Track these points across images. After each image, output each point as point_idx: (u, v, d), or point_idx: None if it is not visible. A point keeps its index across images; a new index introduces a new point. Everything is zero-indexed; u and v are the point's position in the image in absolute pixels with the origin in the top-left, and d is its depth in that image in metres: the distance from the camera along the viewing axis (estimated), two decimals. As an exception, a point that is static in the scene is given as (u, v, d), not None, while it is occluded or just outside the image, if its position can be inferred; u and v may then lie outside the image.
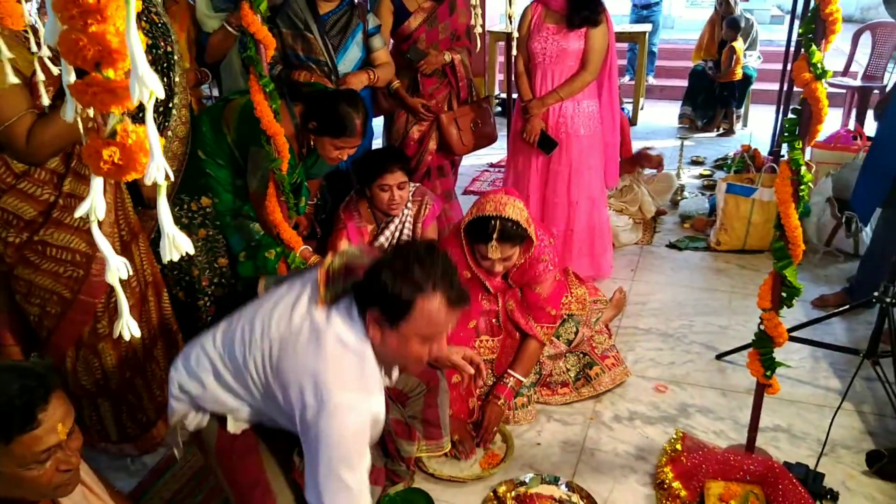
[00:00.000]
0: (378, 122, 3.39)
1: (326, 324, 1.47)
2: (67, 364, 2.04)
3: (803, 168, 1.77)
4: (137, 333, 0.67)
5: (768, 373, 2.00)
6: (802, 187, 1.78)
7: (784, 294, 1.91)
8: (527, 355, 2.40)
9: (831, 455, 2.19)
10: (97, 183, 0.59)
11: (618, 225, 3.78)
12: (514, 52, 2.89)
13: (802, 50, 1.70)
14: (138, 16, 2.06)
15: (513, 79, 3.18)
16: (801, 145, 1.76)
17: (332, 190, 3.08)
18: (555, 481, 2.07)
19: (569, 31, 2.92)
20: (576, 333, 2.51)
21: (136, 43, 0.55)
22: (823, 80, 1.67)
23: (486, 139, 3.35)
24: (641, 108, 6.68)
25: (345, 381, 1.43)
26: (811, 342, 2.64)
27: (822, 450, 2.15)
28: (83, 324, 1.98)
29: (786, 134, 1.80)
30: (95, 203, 0.61)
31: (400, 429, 1.95)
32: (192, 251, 0.66)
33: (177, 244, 0.61)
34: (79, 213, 0.61)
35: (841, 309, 2.70)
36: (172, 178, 0.62)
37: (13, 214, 1.81)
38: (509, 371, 2.37)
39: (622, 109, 4.08)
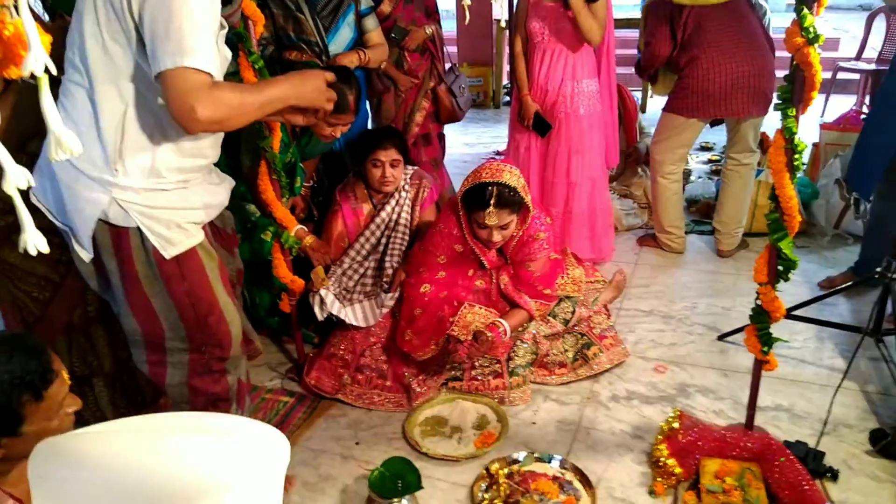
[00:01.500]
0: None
1: None
2: (59, 348, 2.05)
3: (797, 137, 1.73)
4: (45, 249, 0.67)
5: (765, 349, 1.96)
6: (797, 156, 1.75)
7: (780, 267, 1.87)
8: (516, 314, 2.39)
9: (833, 434, 2.15)
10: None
11: (621, 209, 3.74)
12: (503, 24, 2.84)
13: (794, 15, 1.66)
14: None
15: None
16: (794, 113, 1.73)
17: (329, 172, 3.08)
18: (548, 459, 2.05)
19: (567, 8, 2.89)
20: (572, 313, 2.49)
21: None
22: (816, 45, 1.63)
23: (469, 103, 3.51)
24: (651, 96, 6.60)
25: None
26: (815, 321, 2.59)
27: (823, 429, 2.11)
28: (73, 307, 1.99)
29: (779, 102, 1.76)
30: None
31: None
32: (80, 150, 0.64)
33: (62, 144, 0.60)
34: None
35: (841, 287, 2.65)
36: (54, 72, 0.59)
37: None
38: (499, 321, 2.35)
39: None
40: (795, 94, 1.72)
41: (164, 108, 1.41)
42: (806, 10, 1.62)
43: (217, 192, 1.69)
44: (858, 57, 5.85)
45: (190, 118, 1.35)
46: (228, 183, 1.74)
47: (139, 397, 2.22)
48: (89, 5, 1.42)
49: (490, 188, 2.22)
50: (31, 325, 2.02)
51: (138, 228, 1.52)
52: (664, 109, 3.24)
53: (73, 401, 1.29)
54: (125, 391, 2.19)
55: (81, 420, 1.36)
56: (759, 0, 6.12)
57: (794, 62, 1.68)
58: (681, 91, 3.11)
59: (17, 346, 1.22)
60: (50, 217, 1.54)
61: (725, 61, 2.99)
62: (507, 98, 7.02)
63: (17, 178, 0.61)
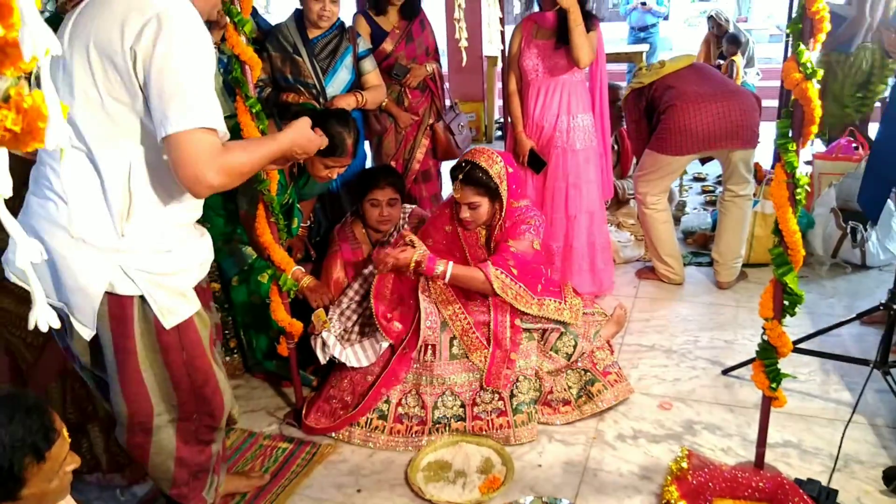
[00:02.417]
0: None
1: None
2: (53, 395, 2.00)
3: (798, 171, 1.73)
4: (56, 324, 0.63)
5: (774, 385, 1.93)
6: (799, 190, 1.74)
7: (786, 302, 1.86)
8: (468, 270, 2.35)
9: (845, 471, 2.11)
10: (1, 154, 0.55)
11: (619, 241, 3.73)
12: (499, 65, 2.89)
13: (790, 50, 1.67)
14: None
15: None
16: (794, 147, 1.73)
17: (326, 213, 3.07)
18: (556, 503, 2.00)
19: (560, 46, 2.92)
20: (574, 347, 2.45)
21: (25, -3, 0.50)
22: (814, 80, 1.64)
23: (468, 140, 3.58)
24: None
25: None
26: (819, 353, 2.56)
27: (835, 465, 2.06)
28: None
29: (779, 137, 1.76)
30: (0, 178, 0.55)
31: None
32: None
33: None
34: None
35: (848, 319, 2.62)
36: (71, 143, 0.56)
37: None
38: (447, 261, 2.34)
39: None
40: (795, 129, 1.73)
41: (168, 164, 1.39)
42: (802, 46, 1.63)
43: (206, 246, 1.67)
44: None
45: (199, 185, 1.35)
46: (209, 234, 1.72)
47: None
48: (80, 65, 1.36)
49: (464, 165, 2.34)
50: (25, 372, 1.97)
51: (141, 297, 1.49)
52: (648, 147, 3.26)
53: (72, 459, 1.25)
54: (116, 439, 2.13)
55: (76, 470, 1.32)
56: (742, 30, 6.26)
57: (793, 97, 1.69)
58: (664, 132, 3.14)
59: (18, 406, 1.17)
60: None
61: (705, 102, 3.06)
62: (500, 132, 7.07)
63: (30, 251, 0.58)
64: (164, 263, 1.50)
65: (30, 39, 0.48)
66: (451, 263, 2.33)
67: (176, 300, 1.53)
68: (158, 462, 1.69)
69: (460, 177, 2.33)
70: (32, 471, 1.17)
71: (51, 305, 1.40)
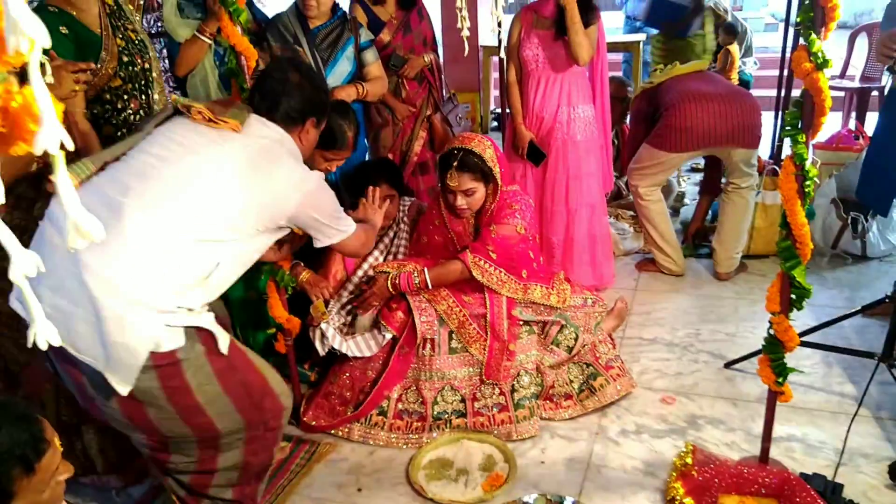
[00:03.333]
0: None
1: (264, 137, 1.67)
2: (47, 397, 1.96)
3: (808, 163, 1.70)
4: (56, 342, 0.59)
5: (780, 379, 1.91)
6: (808, 183, 1.71)
7: (793, 296, 1.83)
8: (444, 266, 2.35)
9: (850, 465, 2.09)
10: None
11: (618, 232, 3.70)
12: (502, 55, 2.84)
13: (801, 40, 1.63)
14: (114, 31, 2.00)
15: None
16: (804, 139, 1.69)
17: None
18: (560, 501, 1.97)
19: (560, 37, 2.87)
20: (575, 339, 2.42)
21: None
22: (824, 70, 1.60)
23: (467, 130, 3.59)
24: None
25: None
26: (823, 346, 2.54)
27: (840, 459, 2.05)
28: None
29: (788, 128, 1.73)
30: None
31: None
32: (103, 236, 0.57)
33: (82, 231, 0.53)
34: None
35: (852, 312, 2.60)
36: (72, 148, 0.51)
37: None
38: (421, 268, 2.35)
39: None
40: (804, 120, 1.69)
41: (253, 254, 1.68)
42: (814, 36, 1.59)
43: None
44: (842, 75, 5.91)
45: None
46: None
47: (128, 446, 2.12)
48: (249, 206, 1.58)
49: (456, 152, 2.31)
50: (16, 375, 1.92)
51: (193, 337, 1.51)
52: (647, 142, 3.24)
53: (65, 468, 1.21)
54: (115, 439, 2.09)
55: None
56: (739, 20, 6.20)
57: (804, 88, 1.65)
58: (664, 128, 3.13)
59: (6, 415, 1.13)
60: (70, 350, 1.43)
61: (707, 101, 3.07)
62: (495, 123, 7.01)
63: (26, 264, 0.54)
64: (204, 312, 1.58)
65: (13, 31, 0.43)
66: (425, 270, 2.33)
67: (216, 327, 1.57)
68: (227, 469, 1.69)
69: (455, 164, 2.30)
70: (22, 483, 1.13)
71: (80, 360, 1.40)
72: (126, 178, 1.49)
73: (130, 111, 2.10)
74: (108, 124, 2.10)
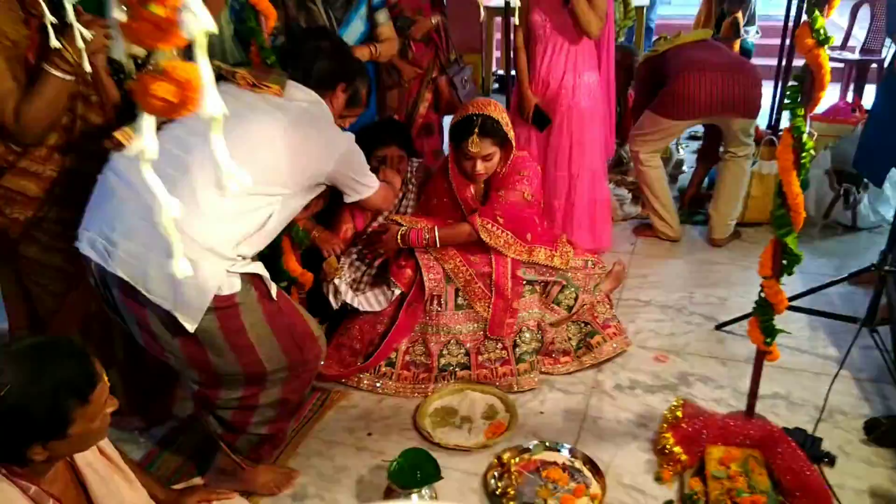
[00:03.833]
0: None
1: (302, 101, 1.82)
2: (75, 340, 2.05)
3: (805, 136, 1.78)
4: (190, 272, 0.70)
5: (768, 340, 2.02)
6: (804, 155, 1.79)
7: (785, 262, 1.93)
8: (454, 227, 2.46)
9: (829, 421, 2.23)
10: (148, 122, 0.61)
11: (617, 198, 3.79)
12: (517, 21, 2.88)
13: (805, 16, 1.70)
14: None
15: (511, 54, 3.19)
16: (803, 112, 1.77)
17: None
18: (558, 448, 2.10)
19: (567, 3, 2.91)
20: (575, 299, 2.54)
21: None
22: (826, 46, 1.68)
23: (472, 95, 3.54)
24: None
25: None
26: (810, 311, 2.66)
27: (820, 416, 2.18)
28: (90, 299, 1.99)
29: (788, 101, 1.81)
30: (147, 143, 0.62)
31: None
32: (249, 183, 0.68)
33: (234, 177, 0.64)
34: (132, 151, 0.62)
35: (838, 279, 2.72)
36: (226, 111, 0.63)
37: (17, 192, 1.80)
38: (431, 226, 2.45)
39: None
40: (805, 94, 1.77)
41: (297, 209, 1.85)
42: (817, 12, 1.66)
43: None
44: (843, 46, 5.93)
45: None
46: None
47: (149, 385, 2.23)
48: (295, 164, 1.72)
49: (475, 118, 2.37)
50: (45, 320, 2.02)
51: (248, 283, 1.65)
52: (649, 108, 3.31)
53: (112, 402, 1.32)
54: (135, 379, 2.20)
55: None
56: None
57: (805, 63, 1.72)
58: (668, 96, 3.20)
59: (64, 353, 1.24)
60: (140, 290, 1.56)
61: (711, 71, 3.13)
62: (496, 85, 7.02)
63: (172, 207, 0.64)
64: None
65: (189, 20, 0.53)
66: (435, 228, 2.41)
67: (267, 275, 1.74)
68: (268, 405, 1.82)
69: (476, 130, 2.36)
70: (78, 412, 1.24)
71: (153, 301, 1.53)
72: (186, 138, 1.58)
73: (152, 65, 2.16)
74: (130, 79, 2.15)
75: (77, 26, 1.38)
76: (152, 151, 0.62)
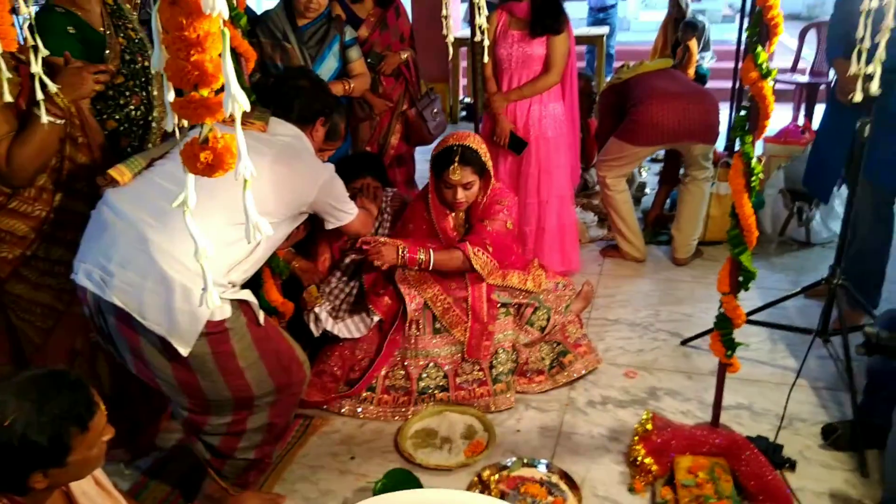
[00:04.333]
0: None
1: (285, 136, 1.94)
2: None
3: (754, 160, 1.92)
4: (218, 303, 0.79)
5: (729, 352, 2.15)
6: (753, 178, 1.93)
7: (741, 278, 2.06)
8: (447, 253, 2.54)
9: (789, 428, 2.34)
10: (190, 179, 0.74)
11: (584, 221, 3.93)
12: (486, 59, 3.01)
13: (748, 51, 1.85)
14: (116, 30, 2.14)
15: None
16: (751, 139, 1.92)
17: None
18: (535, 464, 2.18)
19: (532, 37, 3.06)
20: (548, 320, 2.64)
21: (230, 67, 0.68)
22: (769, 79, 1.82)
23: (442, 126, 3.71)
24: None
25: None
26: (768, 324, 2.81)
27: (781, 424, 2.29)
28: (76, 335, 2.03)
29: (736, 129, 1.95)
30: (189, 195, 0.77)
31: None
32: (270, 232, 0.79)
33: (259, 229, 0.77)
34: (175, 203, 0.77)
35: (793, 293, 2.87)
36: (254, 171, 0.75)
37: (6, 232, 1.85)
38: (428, 248, 2.52)
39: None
40: (751, 122, 1.92)
41: (281, 237, 2.01)
42: (760, 48, 1.81)
43: None
44: (793, 69, 6.19)
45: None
46: None
47: (134, 421, 2.26)
48: (280, 195, 1.82)
49: (456, 148, 2.49)
50: (30, 356, 2.05)
51: (237, 309, 1.72)
52: (615, 135, 3.47)
53: (108, 430, 1.37)
54: (121, 413, 2.23)
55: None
56: (697, 15, 6.47)
57: (750, 94, 1.87)
58: (633, 123, 3.36)
59: (62, 382, 1.29)
60: (136, 317, 1.63)
61: (673, 100, 3.31)
62: (464, 113, 7.17)
63: (208, 248, 0.74)
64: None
65: (230, 100, 0.63)
66: (431, 250, 2.50)
67: (255, 302, 1.82)
68: (255, 429, 1.89)
69: (457, 159, 2.47)
70: (77, 440, 1.29)
71: (147, 327, 1.61)
72: (177, 172, 1.65)
73: (132, 107, 2.22)
74: (112, 119, 2.21)
75: (42, 77, 1.45)
76: (192, 202, 0.75)
